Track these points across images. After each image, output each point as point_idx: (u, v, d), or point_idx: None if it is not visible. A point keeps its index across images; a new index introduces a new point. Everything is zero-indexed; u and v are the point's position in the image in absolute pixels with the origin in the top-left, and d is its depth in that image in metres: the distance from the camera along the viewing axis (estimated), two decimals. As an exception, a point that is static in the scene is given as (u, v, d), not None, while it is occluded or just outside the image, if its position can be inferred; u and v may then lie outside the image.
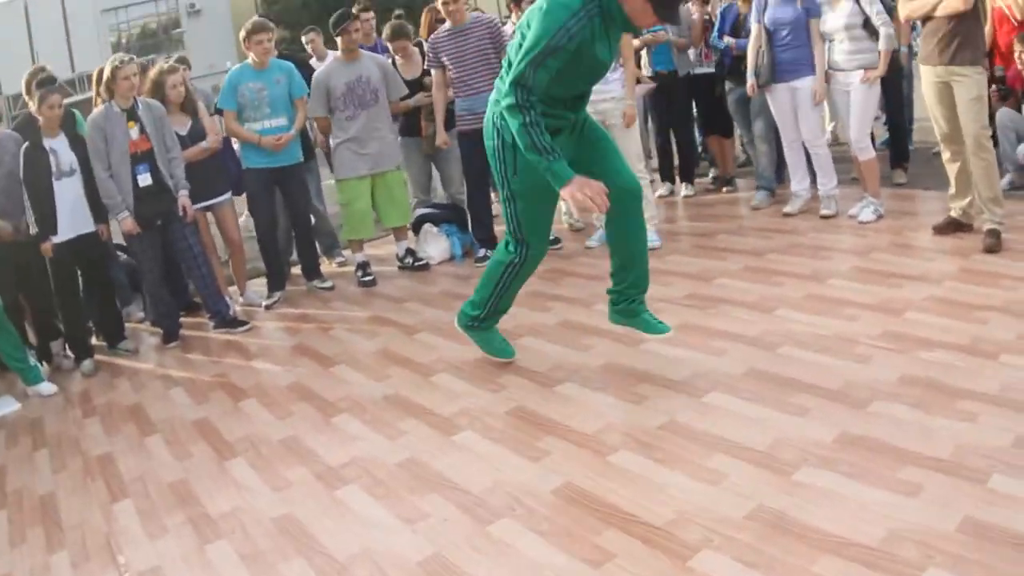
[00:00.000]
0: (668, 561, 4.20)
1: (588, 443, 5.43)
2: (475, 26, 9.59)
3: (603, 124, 8.81)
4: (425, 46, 10.37)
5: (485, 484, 5.12)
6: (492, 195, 10.38)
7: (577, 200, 5.57)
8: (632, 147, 9.35)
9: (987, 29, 9.76)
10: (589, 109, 8.09)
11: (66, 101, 8.70)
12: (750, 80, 9.89)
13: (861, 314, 6.63)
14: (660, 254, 8.92)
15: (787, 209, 10.01)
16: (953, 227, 8.50)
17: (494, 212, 10.42)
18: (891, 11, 9.23)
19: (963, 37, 7.86)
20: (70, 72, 51.16)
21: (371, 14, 11.94)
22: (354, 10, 11.15)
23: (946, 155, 8.44)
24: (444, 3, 9.50)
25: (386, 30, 10.30)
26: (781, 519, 4.40)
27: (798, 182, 10.13)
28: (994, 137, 9.04)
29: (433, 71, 9.91)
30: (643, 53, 11.34)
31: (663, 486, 4.84)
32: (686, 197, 11.71)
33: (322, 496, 5.32)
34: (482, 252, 9.94)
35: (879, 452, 4.86)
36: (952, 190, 8.52)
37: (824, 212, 9.68)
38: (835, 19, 9.24)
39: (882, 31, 9.04)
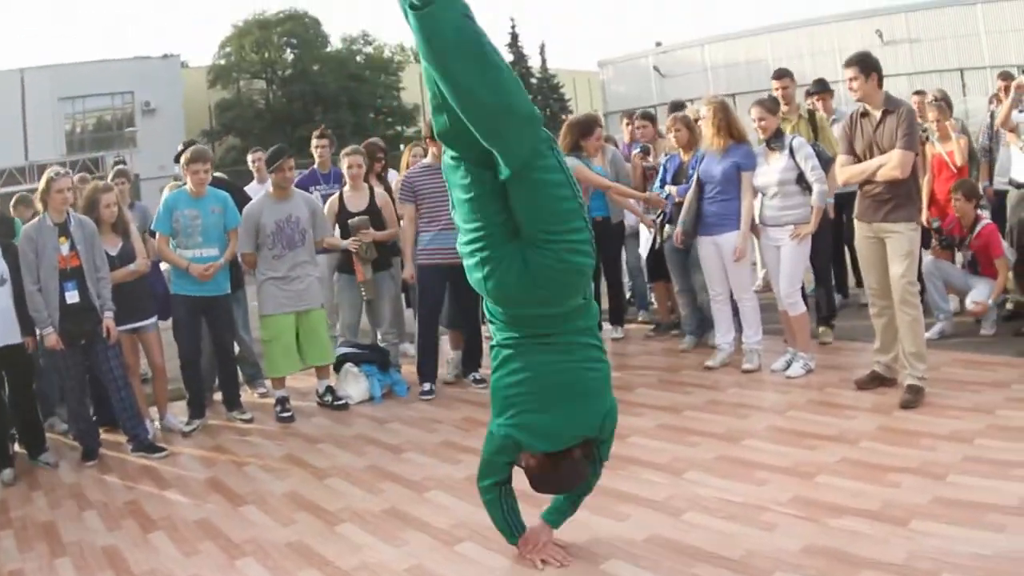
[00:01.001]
0: None
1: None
2: None
3: None
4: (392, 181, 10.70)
5: None
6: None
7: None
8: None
9: (926, 178, 10.15)
10: None
11: (16, 189, 8.81)
12: (677, 230, 10.05)
13: (772, 478, 6.62)
14: None
15: (709, 363, 10.09)
16: (876, 382, 8.69)
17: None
18: (826, 165, 9.41)
19: (898, 196, 8.18)
20: (23, 159, 50.89)
21: (325, 140, 12.04)
22: (314, 135, 11.62)
23: (874, 310, 8.69)
24: (430, 140, 9.83)
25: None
26: None
27: (722, 335, 10.26)
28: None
29: (405, 206, 10.10)
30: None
31: None
32: (614, 340, 11.89)
33: None
34: (427, 387, 10.12)
35: None
36: (877, 344, 8.74)
37: (746, 366, 9.79)
38: (769, 173, 9.44)
39: (815, 187, 9.23)
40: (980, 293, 9.92)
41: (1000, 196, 11.11)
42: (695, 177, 10.01)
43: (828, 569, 5.44)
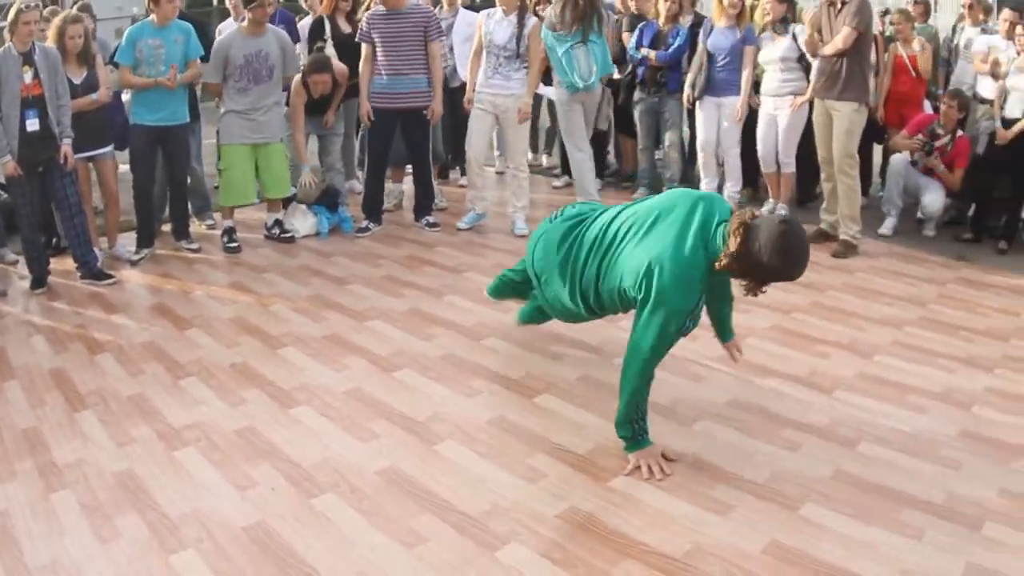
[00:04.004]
0: (477, 549, 4.46)
1: (417, 429, 5.67)
2: (412, 13, 9.92)
3: (498, 118, 9.69)
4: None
5: (314, 459, 5.34)
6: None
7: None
8: (520, 142, 10.22)
9: (886, 78, 10.57)
10: (489, 100, 9.22)
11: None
12: (687, 91, 10.71)
13: (703, 334, 6.32)
14: (518, 252, 8.88)
15: None
16: (822, 237, 9.58)
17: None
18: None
19: (846, 77, 9.02)
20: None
21: None
22: None
23: (823, 175, 9.62)
24: None
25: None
26: (590, 521, 4.66)
27: (709, 182, 10.90)
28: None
29: (363, 46, 10.11)
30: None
31: (482, 478, 5.09)
32: (555, 188, 12.31)
33: (161, 455, 5.48)
34: (365, 224, 10.28)
35: (697, 469, 5.12)
36: (824, 204, 9.67)
37: None
38: (772, 51, 10.24)
39: (814, 65, 9.71)
40: (935, 200, 10.15)
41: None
42: (700, 48, 10.58)
43: (752, 423, 5.68)
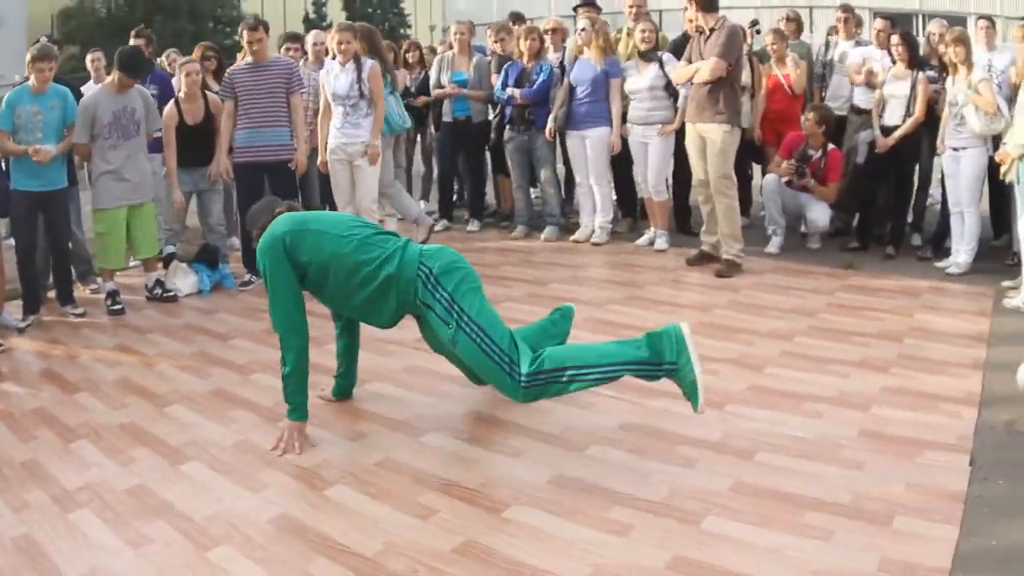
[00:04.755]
0: (374, 590, 4.48)
1: (306, 477, 5.72)
2: (273, 65, 10.12)
3: (350, 164, 9.93)
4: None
5: (207, 512, 5.35)
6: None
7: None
8: (370, 187, 10.43)
9: (760, 95, 11.01)
10: (342, 150, 9.71)
11: None
12: (550, 125, 11.06)
13: None
14: None
15: (574, 237, 11.44)
16: (705, 259, 9.94)
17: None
18: None
19: (717, 101, 9.37)
20: None
21: (141, 40, 12.16)
22: (131, 37, 11.78)
23: (700, 198, 9.98)
24: (249, 42, 10.03)
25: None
26: (489, 554, 4.71)
27: (586, 216, 11.45)
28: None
29: (224, 102, 10.25)
30: (446, 101, 12.29)
31: (375, 519, 5.15)
32: (470, 232, 12.55)
33: (57, 519, 5.46)
34: (248, 278, 10.38)
35: (590, 493, 5.20)
36: (704, 227, 9.96)
37: (596, 240, 11.22)
38: (640, 80, 10.77)
39: (681, 91, 10.22)
40: (822, 215, 10.53)
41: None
42: (564, 82, 11.07)
43: (644, 444, 5.78)
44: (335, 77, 10.26)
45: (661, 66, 10.62)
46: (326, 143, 10.49)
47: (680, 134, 10.41)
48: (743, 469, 5.42)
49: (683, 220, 11.80)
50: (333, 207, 10.90)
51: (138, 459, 6.18)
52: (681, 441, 5.79)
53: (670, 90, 10.62)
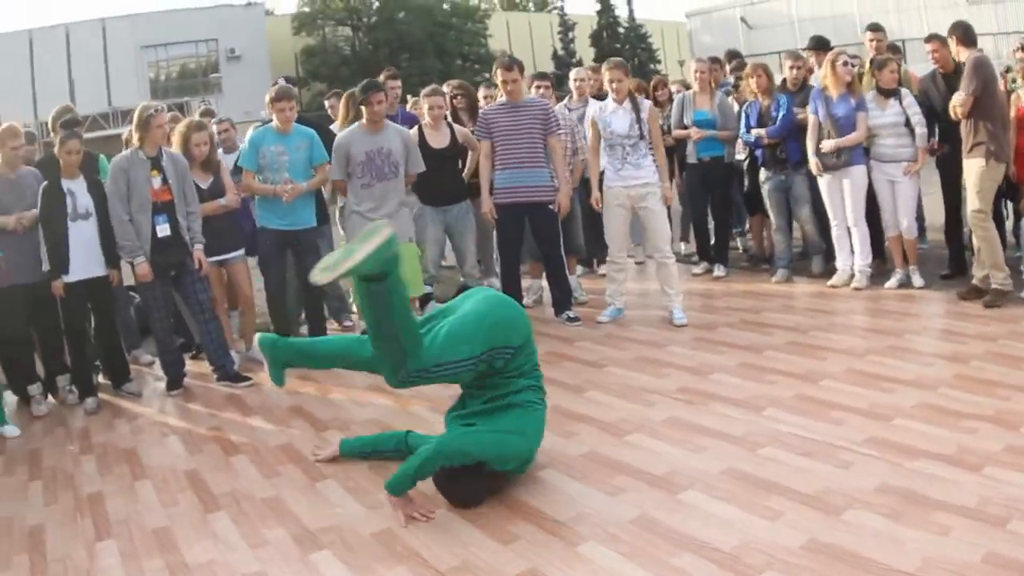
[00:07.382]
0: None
1: (559, 531, 5.49)
2: (530, 106, 10.02)
3: (636, 207, 9.71)
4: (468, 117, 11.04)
5: (454, 563, 5.18)
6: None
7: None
8: (663, 228, 10.03)
9: (1012, 133, 9.98)
10: (622, 193, 9.48)
11: (100, 135, 8.96)
12: (813, 160, 10.67)
13: (849, 418, 6.62)
14: (660, 344, 9.12)
15: (830, 282, 11.11)
16: (975, 293, 9.82)
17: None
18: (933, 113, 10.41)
19: (970, 135, 9.52)
20: (106, 105, 51.36)
21: (398, 82, 12.01)
22: (382, 77, 11.30)
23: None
24: (504, 81, 9.99)
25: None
26: None
27: (844, 259, 10.97)
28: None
29: (481, 142, 10.21)
30: (689, 142, 11.97)
31: None
32: (717, 278, 12.16)
33: (295, 558, 5.40)
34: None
35: (845, 561, 4.88)
36: (975, 258, 9.99)
37: (856, 285, 10.83)
38: (883, 117, 10.45)
39: (918, 130, 10.10)
40: None
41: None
42: (812, 120, 10.68)
43: (900, 508, 5.41)
44: (611, 114, 10.01)
45: (900, 102, 10.37)
46: (599, 181, 10.25)
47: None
48: (996, 538, 5.00)
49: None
50: (597, 248, 10.66)
51: (386, 503, 5.97)
52: (937, 506, 5.40)
53: (909, 127, 10.36)
